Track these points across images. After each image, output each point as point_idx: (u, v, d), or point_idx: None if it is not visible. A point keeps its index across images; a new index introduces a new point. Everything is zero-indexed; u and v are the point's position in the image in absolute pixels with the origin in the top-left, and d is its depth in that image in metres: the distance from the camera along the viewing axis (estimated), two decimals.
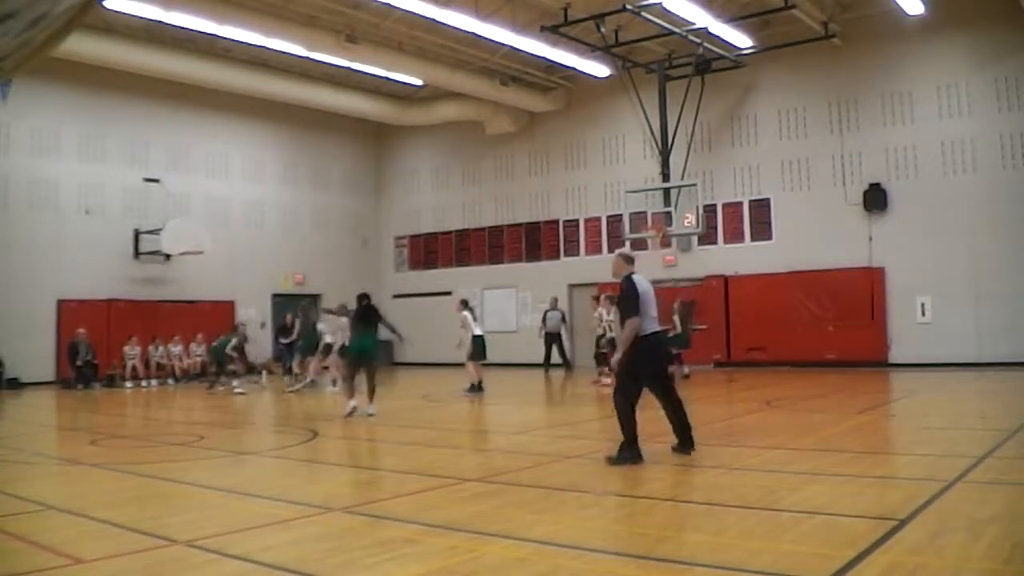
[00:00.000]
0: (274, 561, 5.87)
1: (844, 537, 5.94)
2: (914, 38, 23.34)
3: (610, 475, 8.96)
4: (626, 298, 9.52)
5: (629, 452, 9.21)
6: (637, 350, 9.36)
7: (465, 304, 19.26)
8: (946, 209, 22.82)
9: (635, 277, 9.68)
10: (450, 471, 9.21)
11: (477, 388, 18.54)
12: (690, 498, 7.45)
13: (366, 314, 14.98)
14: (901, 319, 23.44)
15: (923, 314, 23.14)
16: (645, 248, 26.48)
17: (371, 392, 14.63)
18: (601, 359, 21.18)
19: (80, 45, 21.13)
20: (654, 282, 24.52)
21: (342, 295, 22.04)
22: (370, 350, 15.03)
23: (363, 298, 15.27)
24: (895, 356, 23.34)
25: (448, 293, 30.79)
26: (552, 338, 25.30)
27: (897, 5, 21.75)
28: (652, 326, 9.52)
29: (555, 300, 25.36)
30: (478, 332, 18.74)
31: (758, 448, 10.28)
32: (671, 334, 19.88)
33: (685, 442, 9.66)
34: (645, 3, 21.00)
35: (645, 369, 9.46)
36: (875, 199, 23.71)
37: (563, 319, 25.68)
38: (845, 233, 24.06)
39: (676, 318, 20.57)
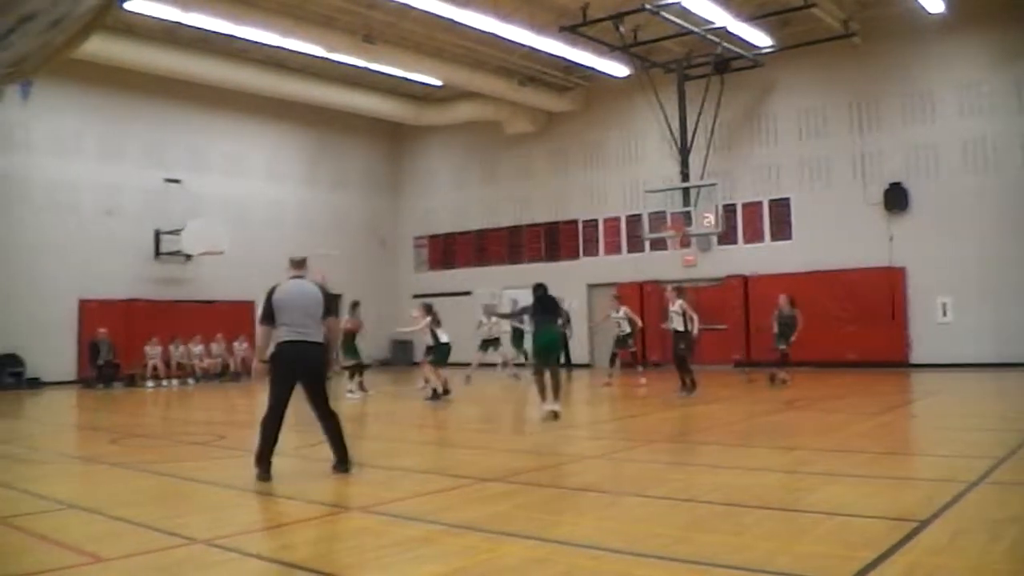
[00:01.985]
0: (292, 560, 5.88)
1: (864, 538, 5.90)
2: (934, 37, 23.23)
3: (628, 476, 8.95)
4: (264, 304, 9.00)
5: (259, 467, 8.73)
6: (273, 359, 8.93)
7: (428, 309, 18.44)
8: (967, 208, 22.70)
9: (284, 284, 9.07)
10: (468, 471, 9.21)
11: (443, 393, 17.88)
12: (709, 498, 7.42)
13: (545, 305, 13.96)
14: (921, 319, 23.33)
15: (944, 314, 23.03)
16: (664, 248, 26.44)
17: (556, 390, 13.55)
18: (614, 360, 21.15)
19: (100, 46, 21.24)
20: (672, 282, 24.39)
21: (362, 296, 22.04)
22: (555, 344, 14.10)
23: (539, 288, 14.21)
24: (915, 356, 23.23)
25: (468, 293, 30.85)
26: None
27: (917, 4, 21.66)
28: (288, 334, 8.84)
29: (561, 299, 25.31)
30: (445, 339, 18.16)
31: (778, 448, 10.24)
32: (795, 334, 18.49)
33: (340, 459, 9.01)
34: (664, 3, 20.98)
35: (279, 379, 8.90)
36: (895, 199, 23.60)
37: (568, 320, 25.56)
38: (865, 233, 23.96)
39: (789, 313, 18.97)
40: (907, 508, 6.76)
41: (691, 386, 16.73)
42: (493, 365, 24.12)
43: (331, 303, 9.15)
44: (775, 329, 19.10)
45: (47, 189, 24.77)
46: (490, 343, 23.28)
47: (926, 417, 14.26)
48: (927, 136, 23.46)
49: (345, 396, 18.36)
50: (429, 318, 18.21)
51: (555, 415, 13.40)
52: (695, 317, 16.84)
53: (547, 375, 13.61)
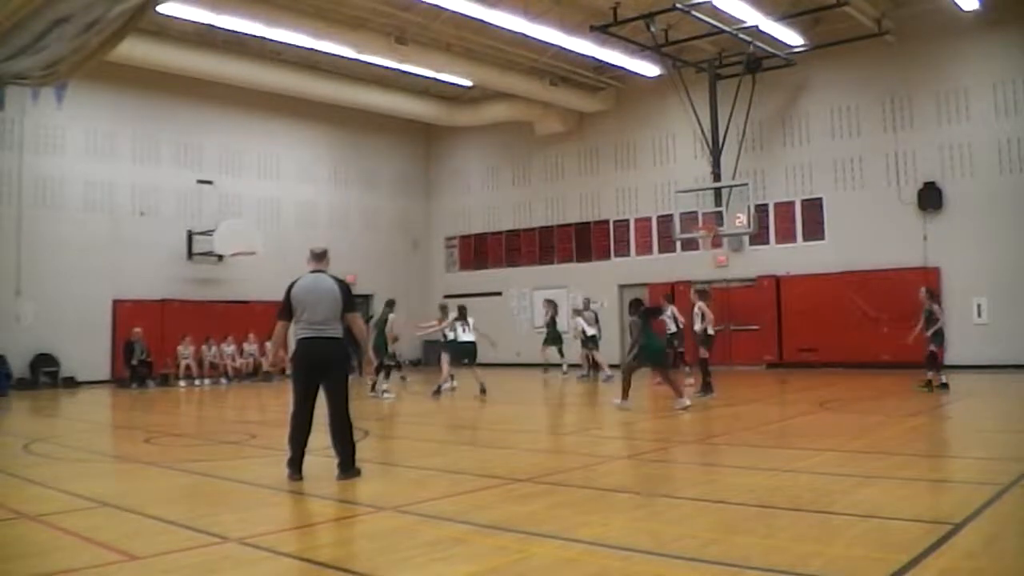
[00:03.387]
0: (325, 559, 5.91)
1: (898, 541, 5.86)
2: (969, 34, 23.00)
3: (659, 477, 8.92)
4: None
5: (290, 467, 8.76)
6: (292, 357, 8.87)
7: (443, 310, 19.69)
8: (1003, 208, 22.46)
9: (302, 278, 9.02)
10: (500, 471, 9.21)
11: (438, 391, 19.00)
12: (741, 500, 7.38)
13: (647, 317, 15.39)
14: (957, 320, 23.05)
15: (979, 315, 22.79)
16: (696, 248, 26.35)
17: (676, 386, 15.00)
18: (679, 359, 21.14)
19: (133, 49, 21.35)
20: (704, 282, 24.24)
21: (394, 295, 22.07)
22: (659, 351, 15.55)
23: (639, 303, 15.57)
24: (951, 358, 22.88)
25: (499, 293, 30.92)
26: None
27: (951, 1, 21.45)
28: (303, 331, 8.78)
29: (587, 301, 25.17)
30: (464, 338, 18.92)
31: (811, 450, 10.18)
32: (931, 331, 16.85)
33: (341, 464, 8.77)
34: (695, 2, 20.90)
35: (297, 375, 8.87)
36: (930, 198, 23.39)
37: (596, 320, 25.39)
38: (899, 233, 23.76)
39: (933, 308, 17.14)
40: (942, 511, 6.71)
41: (705, 388, 16.88)
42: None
43: (350, 298, 8.98)
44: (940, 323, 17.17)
45: (81, 191, 25.04)
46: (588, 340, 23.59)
47: (961, 419, 14.13)
48: (962, 135, 23.23)
49: (383, 396, 18.58)
50: (437, 322, 19.42)
51: (686, 408, 14.57)
52: (710, 317, 17.08)
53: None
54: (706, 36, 23.50)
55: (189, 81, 25.59)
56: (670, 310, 20.54)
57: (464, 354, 19.00)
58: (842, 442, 10.79)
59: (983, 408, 15.38)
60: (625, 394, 15.18)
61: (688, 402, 14.74)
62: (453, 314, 19.06)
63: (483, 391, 18.53)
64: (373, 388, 19.19)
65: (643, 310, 15.42)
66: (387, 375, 19.34)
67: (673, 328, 20.47)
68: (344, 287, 8.95)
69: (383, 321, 19.45)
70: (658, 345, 15.47)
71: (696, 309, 17.00)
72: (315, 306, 8.77)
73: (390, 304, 19.73)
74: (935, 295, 17.64)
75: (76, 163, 24.94)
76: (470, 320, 19.15)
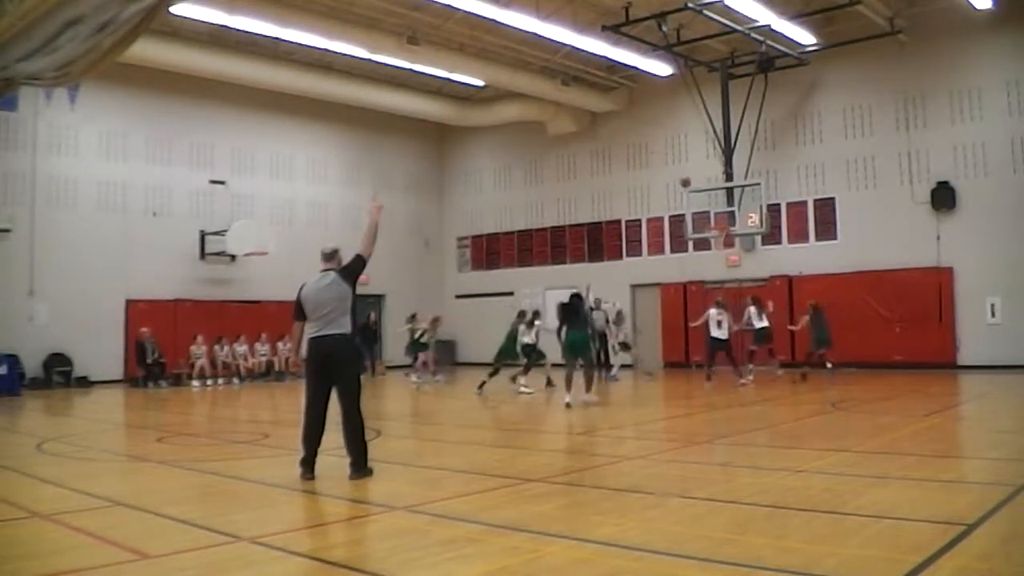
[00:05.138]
0: (337, 559, 5.92)
1: (911, 541, 5.84)
2: (982, 33, 22.90)
3: (672, 477, 8.91)
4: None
5: (302, 467, 8.81)
6: (306, 354, 8.95)
7: (534, 316, 20.47)
8: (1016, 208, 22.34)
9: (309, 279, 9.17)
10: (512, 471, 9.21)
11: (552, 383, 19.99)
12: (754, 500, 7.36)
13: (567, 311, 16.03)
14: (970, 320, 22.99)
15: (993, 315, 22.68)
16: (708, 248, 26.30)
17: (588, 382, 15.86)
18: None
19: (146, 50, 21.41)
20: (716, 282, 24.44)
21: (406, 295, 22.16)
22: (575, 343, 15.86)
23: (573, 297, 16.34)
24: (964, 358, 22.90)
25: (511, 293, 30.85)
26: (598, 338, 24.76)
27: None
28: (311, 330, 8.92)
29: (598, 300, 25.09)
30: (525, 341, 19.79)
31: (823, 451, 10.15)
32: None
33: (353, 463, 8.81)
34: (707, 1, 20.86)
35: (307, 376, 8.95)
36: (943, 198, 23.29)
37: (607, 320, 25.29)
38: (912, 232, 23.67)
39: (807, 318, 21.16)
40: (956, 512, 6.67)
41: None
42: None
43: (351, 269, 9.05)
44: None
45: (94, 191, 25.11)
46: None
47: (975, 419, 14.08)
48: (975, 134, 23.12)
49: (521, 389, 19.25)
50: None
51: (569, 406, 15.32)
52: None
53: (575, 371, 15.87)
54: (718, 36, 23.44)
55: (202, 82, 25.66)
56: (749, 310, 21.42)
57: (505, 356, 20.15)
58: (855, 442, 10.76)
59: (996, 409, 15.30)
60: (568, 387, 15.70)
61: (568, 401, 15.41)
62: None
63: (482, 385, 19.54)
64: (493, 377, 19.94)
65: (560, 305, 16.37)
66: (526, 371, 19.86)
67: (756, 324, 21.44)
68: (344, 272, 9.03)
69: (515, 330, 20.25)
70: (573, 338, 15.83)
71: (720, 316, 19.94)
72: (320, 305, 8.90)
73: (522, 315, 20.57)
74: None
75: (89, 163, 25.02)
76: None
